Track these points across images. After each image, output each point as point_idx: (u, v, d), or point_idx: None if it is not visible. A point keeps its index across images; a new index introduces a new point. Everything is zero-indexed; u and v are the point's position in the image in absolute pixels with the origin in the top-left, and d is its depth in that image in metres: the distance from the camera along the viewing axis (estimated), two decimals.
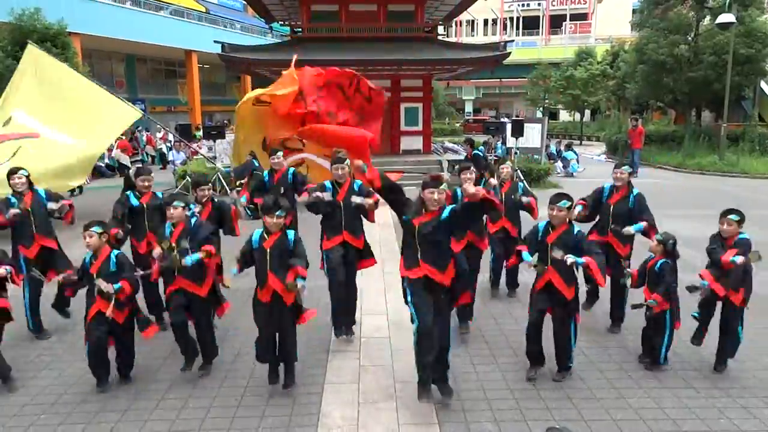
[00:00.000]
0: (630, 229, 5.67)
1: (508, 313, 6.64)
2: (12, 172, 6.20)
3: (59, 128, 11.01)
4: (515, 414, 4.54)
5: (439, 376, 4.62)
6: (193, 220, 5.17)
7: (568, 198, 4.85)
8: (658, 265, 5.03)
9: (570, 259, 4.59)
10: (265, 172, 7.60)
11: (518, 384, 5.01)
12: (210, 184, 6.41)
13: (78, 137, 11.02)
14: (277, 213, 4.63)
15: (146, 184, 6.32)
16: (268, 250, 4.65)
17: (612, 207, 5.93)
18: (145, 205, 6.21)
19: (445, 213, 4.33)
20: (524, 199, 6.66)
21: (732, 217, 4.94)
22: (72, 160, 10.81)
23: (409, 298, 4.53)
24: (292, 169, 7.52)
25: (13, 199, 6.10)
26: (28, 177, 6.23)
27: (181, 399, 4.83)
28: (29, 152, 10.22)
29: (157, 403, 4.78)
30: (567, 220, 4.83)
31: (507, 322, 6.38)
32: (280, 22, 21.71)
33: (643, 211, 5.81)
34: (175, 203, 5.05)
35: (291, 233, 4.78)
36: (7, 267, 5.00)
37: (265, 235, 4.71)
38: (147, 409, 4.69)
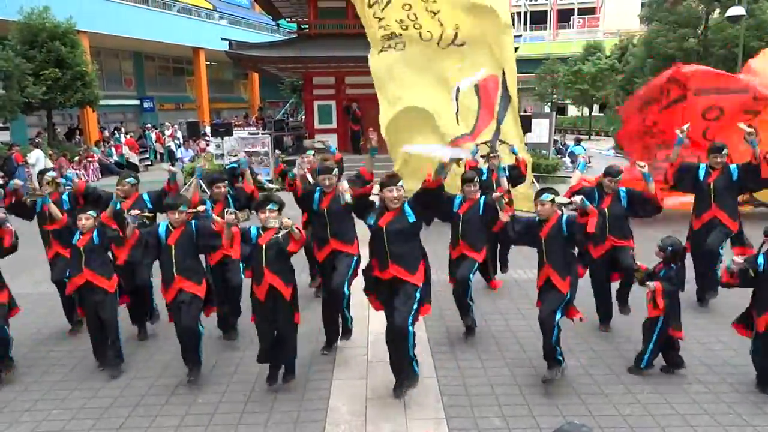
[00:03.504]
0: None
1: (515, 309, 6.64)
2: (41, 173, 6.35)
3: None
4: (522, 409, 4.54)
5: (402, 372, 4.64)
6: (194, 224, 5.05)
7: (550, 191, 4.85)
8: (663, 273, 4.98)
9: (577, 198, 4.61)
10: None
11: (526, 379, 5.01)
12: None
13: None
14: (269, 207, 4.62)
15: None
16: (264, 246, 4.64)
17: (606, 211, 5.77)
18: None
19: (410, 216, 4.51)
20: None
21: None
22: None
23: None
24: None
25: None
26: (53, 179, 6.23)
27: (191, 394, 4.87)
28: None
29: (166, 398, 4.82)
30: (555, 212, 4.81)
31: (514, 318, 6.38)
32: (287, 19, 21.74)
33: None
34: (180, 207, 4.95)
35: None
36: None
37: (261, 231, 4.71)
38: (156, 404, 4.73)
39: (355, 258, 5.43)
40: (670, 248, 4.97)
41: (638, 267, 5.15)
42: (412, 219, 4.55)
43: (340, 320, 5.62)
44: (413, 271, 4.56)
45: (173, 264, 4.93)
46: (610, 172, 5.83)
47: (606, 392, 4.77)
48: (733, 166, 6.37)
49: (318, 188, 5.55)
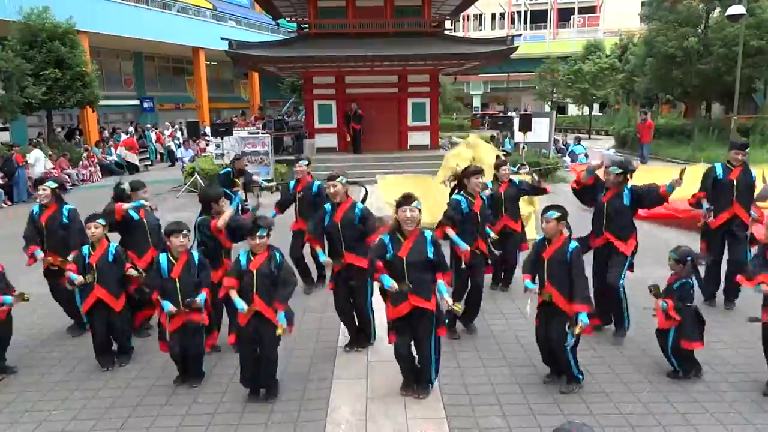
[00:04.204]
0: None
1: (517, 310, 6.63)
2: (39, 182, 6.26)
3: None
4: (523, 408, 4.54)
5: (420, 382, 4.71)
6: (196, 256, 4.99)
7: (557, 209, 4.66)
8: (677, 284, 4.83)
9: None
10: (291, 182, 7.42)
11: (527, 379, 5.00)
12: None
13: None
14: (258, 234, 4.47)
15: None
16: (255, 272, 4.49)
17: (606, 205, 5.67)
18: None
19: (430, 249, 4.43)
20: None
21: None
22: None
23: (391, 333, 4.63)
24: (317, 183, 6.62)
25: (36, 209, 6.08)
26: (53, 190, 6.07)
27: (191, 395, 4.87)
28: None
29: (166, 399, 4.82)
30: (562, 232, 4.66)
31: (515, 318, 6.37)
32: (287, 19, 21.70)
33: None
34: (184, 231, 4.84)
35: (278, 254, 4.62)
36: None
37: (251, 256, 4.55)
38: (157, 404, 4.73)
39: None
40: (689, 258, 4.78)
41: (656, 287, 4.91)
42: (431, 255, 4.43)
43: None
44: (429, 297, 4.48)
45: (179, 296, 4.80)
46: (611, 165, 5.66)
47: (607, 391, 4.76)
48: (752, 170, 6.31)
49: (328, 202, 5.54)
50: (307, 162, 7.33)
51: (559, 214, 4.61)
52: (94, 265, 5.24)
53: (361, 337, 5.70)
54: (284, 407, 4.62)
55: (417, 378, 4.72)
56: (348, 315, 5.62)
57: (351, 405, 4.63)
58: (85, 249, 5.33)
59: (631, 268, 5.69)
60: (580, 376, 4.78)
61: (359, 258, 5.31)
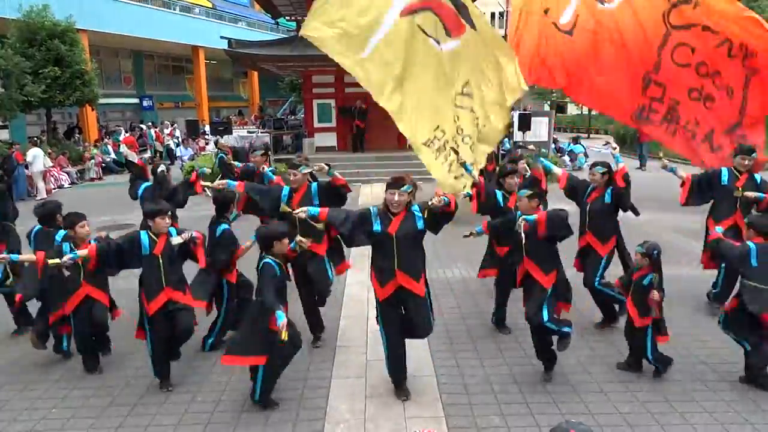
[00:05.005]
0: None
1: (515, 307, 6.62)
2: None
3: None
4: (522, 407, 4.54)
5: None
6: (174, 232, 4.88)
7: (530, 187, 4.87)
8: (647, 280, 4.75)
9: (522, 222, 4.60)
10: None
11: (525, 377, 5.01)
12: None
13: None
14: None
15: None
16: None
17: (589, 206, 5.81)
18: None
19: (419, 224, 4.40)
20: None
21: None
22: None
23: (379, 318, 4.66)
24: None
25: None
26: None
27: (190, 393, 4.87)
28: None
29: (166, 397, 4.82)
30: (537, 209, 4.77)
31: (514, 316, 6.37)
32: (286, 18, 21.70)
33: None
34: (168, 212, 4.84)
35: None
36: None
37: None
38: (156, 403, 4.73)
39: (326, 259, 5.57)
40: (655, 251, 4.69)
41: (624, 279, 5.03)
42: (420, 226, 4.41)
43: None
44: (419, 278, 4.49)
45: (162, 275, 4.75)
46: (596, 165, 5.84)
47: (605, 390, 4.77)
48: (756, 176, 6.14)
49: (286, 187, 5.55)
50: (261, 152, 7.63)
51: (531, 192, 4.82)
52: (80, 264, 5.02)
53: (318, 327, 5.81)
54: (283, 406, 4.62)
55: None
56: (313, 313, 5.74)
57: (349, 404, 4.64)
58: (66, 247, 5.12)
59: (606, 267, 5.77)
60: (566, 331, 4.81)
61: (315, 244, 5.33)
